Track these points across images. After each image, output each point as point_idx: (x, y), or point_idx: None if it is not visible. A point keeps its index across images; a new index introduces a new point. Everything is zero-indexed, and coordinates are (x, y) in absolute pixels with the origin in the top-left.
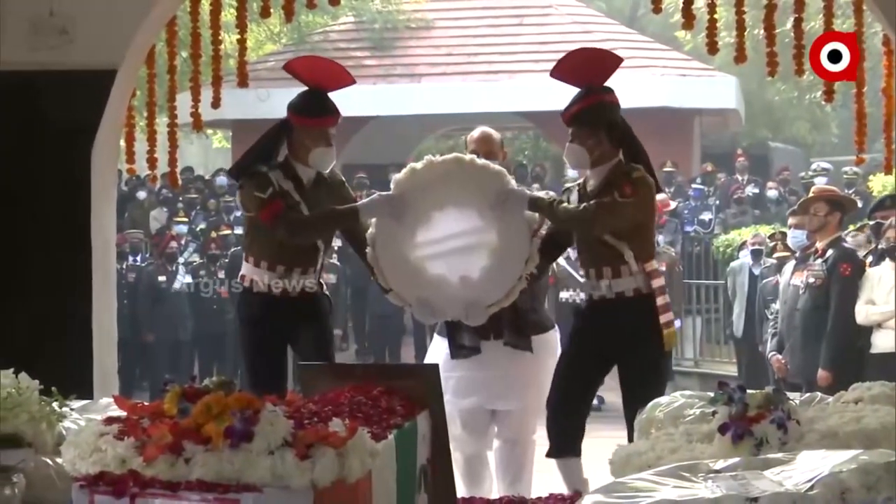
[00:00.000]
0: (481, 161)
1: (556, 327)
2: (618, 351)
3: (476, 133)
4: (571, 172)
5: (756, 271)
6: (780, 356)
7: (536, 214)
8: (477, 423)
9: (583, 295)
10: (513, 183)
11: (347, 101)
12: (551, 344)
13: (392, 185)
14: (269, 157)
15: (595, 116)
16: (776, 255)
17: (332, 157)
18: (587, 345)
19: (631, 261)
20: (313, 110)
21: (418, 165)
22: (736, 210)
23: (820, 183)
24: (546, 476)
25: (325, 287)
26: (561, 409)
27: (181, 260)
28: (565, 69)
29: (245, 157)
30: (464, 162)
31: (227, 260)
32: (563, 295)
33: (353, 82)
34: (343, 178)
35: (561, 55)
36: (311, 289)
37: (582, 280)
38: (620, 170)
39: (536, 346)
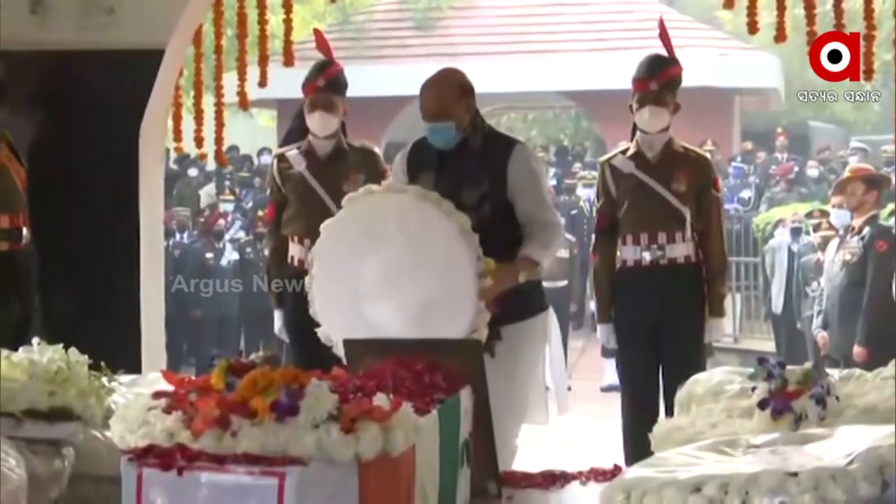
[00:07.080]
0: (446, 205)
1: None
2: (663, 320)
3: (427, 83)
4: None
5: (795, 249)
6: (824, 333)
7: (489, 280)
8: None
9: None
10: (474, 264)
11: (391, 81)
12: (536, 331)
13: (344, 202)
14: (302, 135)
15: (679, 83)
16: (820, 233)
17: (329, 122)
18: (639, 327)
19: (688, 226)
20: (304, 80)
21: (375, 188)
22: (784, 187)
23: (853, 162)
24: (586, 451)
25: None
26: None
27: (228, 237)
28: (664, 32)
29: (283, 138)
30: (423, 201)
31: None
32: None
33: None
34: (373, 149)
35: (603, 34)
36: None
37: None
38: (688, 151)
39: (515, 334)
